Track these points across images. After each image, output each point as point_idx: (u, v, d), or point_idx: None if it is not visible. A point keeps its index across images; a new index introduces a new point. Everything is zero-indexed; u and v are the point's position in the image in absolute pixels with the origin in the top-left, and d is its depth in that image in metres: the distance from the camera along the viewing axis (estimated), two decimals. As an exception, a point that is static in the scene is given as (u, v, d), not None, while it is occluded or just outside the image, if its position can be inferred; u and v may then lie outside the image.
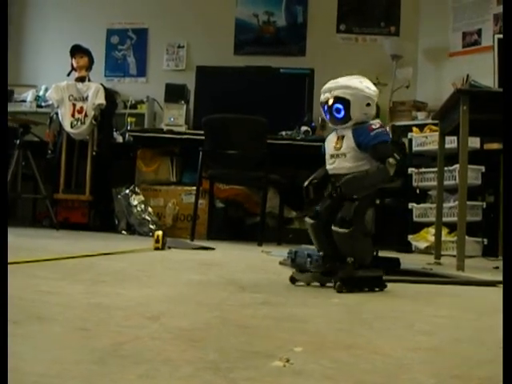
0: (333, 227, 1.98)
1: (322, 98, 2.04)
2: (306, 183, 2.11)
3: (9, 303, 1.38)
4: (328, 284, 2.05)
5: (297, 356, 1.00)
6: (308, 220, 2.10)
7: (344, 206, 1.98)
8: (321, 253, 2.04)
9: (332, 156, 2.05)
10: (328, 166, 2.07)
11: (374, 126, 1.98)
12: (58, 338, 1.06)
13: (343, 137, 2.03)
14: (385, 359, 1.02)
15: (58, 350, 0.97)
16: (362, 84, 2.03)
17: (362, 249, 2.02)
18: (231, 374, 0.86)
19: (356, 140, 1.98)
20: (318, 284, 2.09)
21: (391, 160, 1.95)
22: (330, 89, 2.01)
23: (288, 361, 0.95)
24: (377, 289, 2.03)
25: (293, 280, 2.09)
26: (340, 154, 2.02)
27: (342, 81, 2.03)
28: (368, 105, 2.01)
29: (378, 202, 6.94)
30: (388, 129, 6.88)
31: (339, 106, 1.99)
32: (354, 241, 1.98)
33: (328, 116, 2.04)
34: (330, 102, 2.00)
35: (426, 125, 6.13)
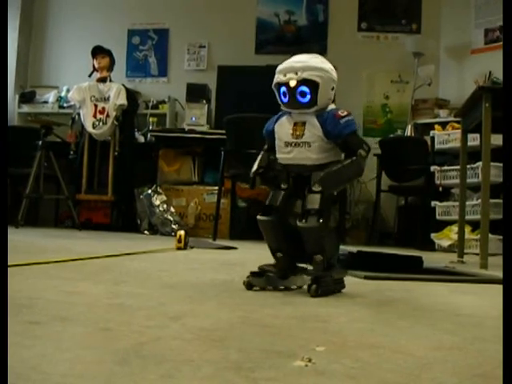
0: (298, 222, 1.78)
1: (283, 78, 1.80)
2: (251, 173, 1.92)
3: (32, 304, 1.40)
4: (280, 287, 1.90)
5: (319, 355, 0.99)
6: (262, 217, 1.88)
7: (308, 198, 1.78)
8: (278, 253, 1.88)
9: (288, 144, 1.83)
10: (282, 155, 1.85)
11: (341, 113, 1.78)
12: (81, 339, 1.07)
13: (304, 123, 1.81)
14: (407, 358, 1.01)
15: (80, 350, 0.98)
16: (326, 65, 1.82)
17: (330, 244, 1.82)
18: (253, 374, 0.86)
19: (324, 128, 1.77)
20: (271, 288, 1.90)
21: (363, 152, 1.77)
22: (295, 69, 1.78)
23: (310, 360, 0.94)
24: (336, 290, 1.86)
25: (249, 286, 1.87)
26: (301, 142, 1.80)
27: (307, 60, 1.81)
28: (332, 89, 1.82)
29: (402, 201, 6.93)
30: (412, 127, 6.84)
31: (305, 89, 1.78)
32: (322, 236, 1.78)
33: (287, 99, 1.82)
34: (293, 83, 1.78)
35: (448, 122, 6.10)
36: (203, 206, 6.49)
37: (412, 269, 2.64)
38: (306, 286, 1.83)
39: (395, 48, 7.39)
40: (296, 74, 1.78)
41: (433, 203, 5.81)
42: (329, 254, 1.81)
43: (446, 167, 5.78)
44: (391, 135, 7.13)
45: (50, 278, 2.01)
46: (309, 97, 1.78)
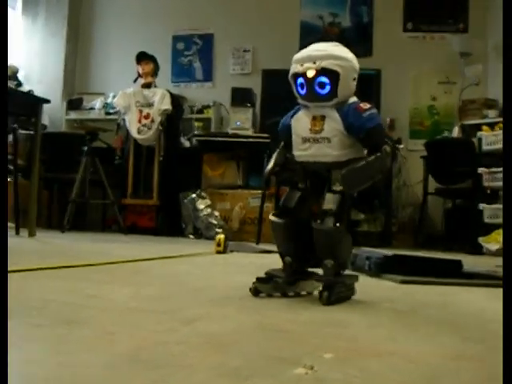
0: (313, 223, 1.66)
1: (300, 68, 1.67)
2: (267, 172, 1.80)
3: (44, 306, 1.38)
4: (290, 293, 1.79)
5: (324, 363, 0.95)
6: (275, 219, 1.79)
7: (326, 198, 1.65)
8: (287, 258, 1.76)
9: (306, 140, 1.69)
10: (299, 152, 1.72)
11: (364, 106, 1.65)
12: (81, 342, 1.04)
13: (323, 117, 1.67)
14: (418, 368, 0.96)
15: (74, 353, 0.95)
16: (348, 54, 1.69)
17: (344, 250, 1.70)
18: (247, 382, 0.82)
19: (345, 122, 1.64)
20: (279, 294, 1.78)
21: (387, 148, 1.63)
22: (313, 58, 1.65)
23: (312, 368, 0.90)
24: (348, 297, 1.74)
25: (255, 292, 1.75)
26: (321, 138, 1.66)
27: (326, 49, 1.68)
28: (354, 79, 1.68)
29: (450, 204, 6.79)
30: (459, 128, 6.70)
31: (325, 79, 1.64)
32: (337, 240, 1.66)
33: (304, 91, 1.68)
34: (311, 74, 1.64)
35: (496, 123, 5.94)
36: (248, 210, 6.46)
37: (451, 273, 2.56)
38: (316, 293, 1.73)
39: (442, 48, 7.24)
40: (314, 63, 1.64)
41: (481, 206, 5.66)
42: (341, 260, 1.68)
43: (494, 169, 5.62)
44: (438, 137, 7.00)
45: (79, 281, 2.00)
46: (328, 88, 1.65)
